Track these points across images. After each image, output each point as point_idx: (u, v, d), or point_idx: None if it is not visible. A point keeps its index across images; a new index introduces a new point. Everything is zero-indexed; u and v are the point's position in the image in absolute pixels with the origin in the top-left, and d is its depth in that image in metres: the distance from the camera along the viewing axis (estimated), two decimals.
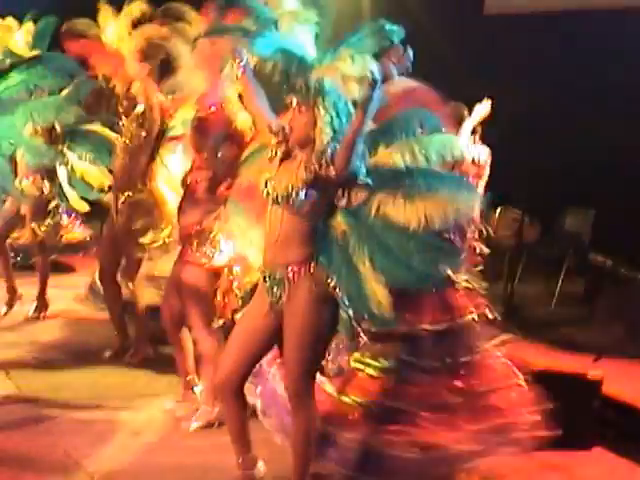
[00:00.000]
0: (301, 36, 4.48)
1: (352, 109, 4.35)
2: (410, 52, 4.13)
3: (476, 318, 5.21)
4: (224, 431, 5.16)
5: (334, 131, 4.35)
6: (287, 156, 4.48)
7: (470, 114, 6.31)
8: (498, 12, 11.36)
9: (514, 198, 9.01)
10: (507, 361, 5.34)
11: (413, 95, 5.23)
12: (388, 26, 4.46)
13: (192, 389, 5.97)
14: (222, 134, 5.48)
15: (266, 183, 4.48)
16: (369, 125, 4.40)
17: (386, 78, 4.10)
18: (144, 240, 6.61)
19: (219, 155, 5.52)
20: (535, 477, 5.52)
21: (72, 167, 7.55)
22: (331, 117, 4.34)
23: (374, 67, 4.14)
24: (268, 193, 4.46)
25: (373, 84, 4.12)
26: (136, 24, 6.73)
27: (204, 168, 5.56)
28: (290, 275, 4.44)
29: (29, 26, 7.84)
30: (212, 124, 5.53)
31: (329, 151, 4.32)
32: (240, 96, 5.24)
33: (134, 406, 6.08)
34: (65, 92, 7.42)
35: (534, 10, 11.09)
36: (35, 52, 7.37)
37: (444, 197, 4.37)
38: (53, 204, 7.79)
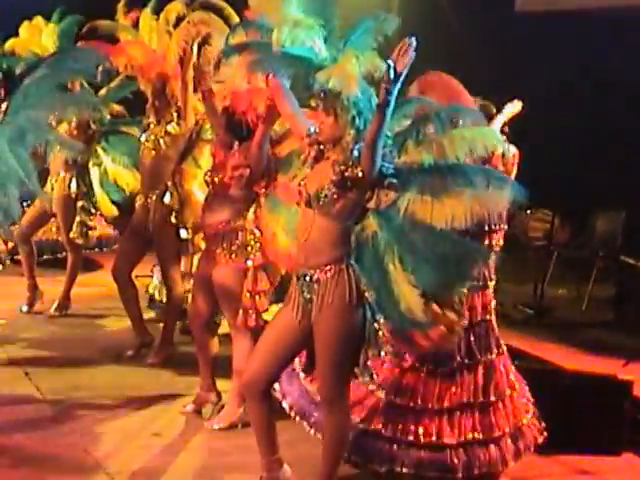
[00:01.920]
0: (308, 42, 4.42)
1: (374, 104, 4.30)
2: (413, 41, 4.05)
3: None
4: (247, 432, 5.14)
5: (358, 130, 4.32)
6: (320, 157, 4.46)
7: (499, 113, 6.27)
8: (530, 9, 11.26)
9: (545, 199, 8.92)
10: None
11: (438, 84, 5.18)
12: (383, 19, 4.36)
13: (213, 392, 5.94)
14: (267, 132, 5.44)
15: (299, 184, 4.48)
16: (401, 124, 4.43)
17: (399, 73, 4.04)
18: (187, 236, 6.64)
19: (262, 152, 5.45)
20: None
21: (105, 169, 7.55)
22: (353, 117, 4.31)
23: (387, 66, 4.06)
24: (301, 194, 4.44)
25: (389, 84, 4.07)
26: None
27: (240, 166, 5.48)
28: (321, 276, 4.40)
29: (53, 26, 7.87)
30: (248, 120, 5.46)
31: (356, 152, 4.29)
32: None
33: (156, 406, 6.04)
34: (104, 90, 7.48)
35: (565, 7, 11.00)
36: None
37: (473, 195, 4.31)
38: (80, 204, 7.76)
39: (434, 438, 4.99)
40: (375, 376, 4.78)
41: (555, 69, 10.33)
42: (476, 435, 5.06)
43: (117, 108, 7.86)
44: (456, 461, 4.99)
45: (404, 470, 4.96)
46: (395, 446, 4.98)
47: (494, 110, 5.68)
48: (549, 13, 11.03)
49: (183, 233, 6.71)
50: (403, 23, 4.51)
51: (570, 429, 5.54)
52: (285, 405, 5.23)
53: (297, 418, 5.21)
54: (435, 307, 4.68)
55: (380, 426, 4.99)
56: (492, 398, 5.13)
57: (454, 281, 4.42)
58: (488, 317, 5.20)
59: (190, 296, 6.87)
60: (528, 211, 9.33)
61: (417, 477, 5.02)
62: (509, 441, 5.14)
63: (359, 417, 4.98)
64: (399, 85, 4.10)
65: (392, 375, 5.06)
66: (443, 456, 4.99)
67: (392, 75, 4.04)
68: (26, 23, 7.96)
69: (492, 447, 5.08)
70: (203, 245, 6.49)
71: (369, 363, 4.53)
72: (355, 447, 4.92)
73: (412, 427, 5.00)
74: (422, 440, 4.98)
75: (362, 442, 4.96)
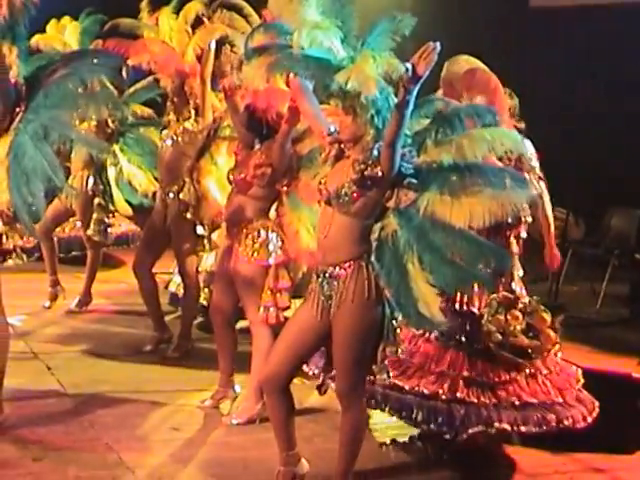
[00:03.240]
0: (326, 43, 4.46)
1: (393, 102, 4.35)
2: (438, 45, 4.09)
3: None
4: (265, 427, 5.22)
5: (377, 129, 4.36)
6: (340, 156, 4.51)
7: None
8: (544, 4, 11.27)
9: (559, 198, 8.95)
10: None
11: (474, 77, 5.24)
12: (399, 19, 4.40)
13: (231, 388, 6.01)
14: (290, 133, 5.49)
15: (320, 182, 4.53)
16: (422, 123, 4.48)
17: (419, 76, 4.09)
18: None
19: (284, 152, 5.51)
20: (577, 478, 5.48)
21: (121, 169, 7.64)
22: (371, 116, 4.36)
23: (404, 67, 4.11)
24: (321, 192, 4.49)
25: (409, 85, 4.11)
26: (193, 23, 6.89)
27: (262, 164, 5.55)
28: (340, 273, 4.45)
29: (75, 24, 7.98)
30: (270, 119, 5.54)
31: (375, 151, 4.33)
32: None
33: (175, 401, 6.10)
34: (131, 90, 7.57)
35: (581, 2, 11.01)
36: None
37: (491, 194, 4.34)
38: (97, 201, 7.86)
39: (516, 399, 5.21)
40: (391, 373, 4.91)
41: (570, 65, 10.34)
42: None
43: (145, 110, 7.93)
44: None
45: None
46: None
47: (516, 101, 5.73)
48: (564, 8, 11.04)
49: (200, 229, 6.79)
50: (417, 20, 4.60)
51: (584, 427, 5.53)
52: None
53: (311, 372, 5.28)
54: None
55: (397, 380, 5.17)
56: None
57: (472, 281, 4.48)
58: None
59: (207, 292, 7.04)
60: None
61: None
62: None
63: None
64: (418, 86, 4.13)
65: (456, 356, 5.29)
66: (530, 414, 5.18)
67: (412, 77, 4.08)
68: (53, 21, 8.08)
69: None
70: (219, 242, 6.60)
71: (387, 361, 4.61)
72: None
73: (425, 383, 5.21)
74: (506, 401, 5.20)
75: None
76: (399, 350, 4.66)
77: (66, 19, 8.09)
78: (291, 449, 4.75)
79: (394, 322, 4.50)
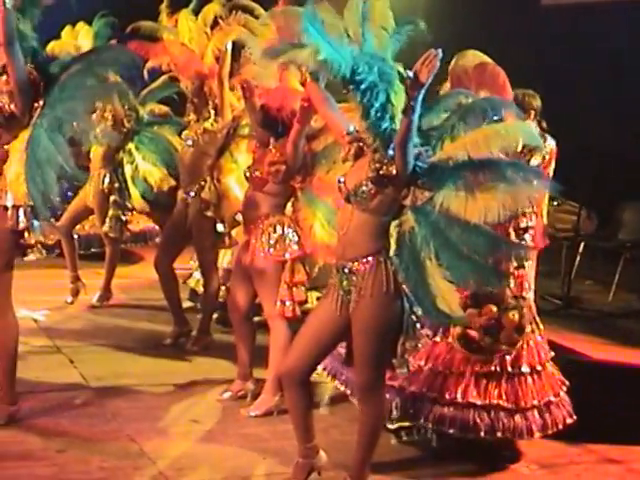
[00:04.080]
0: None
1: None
2: (440, 52, 4.16)
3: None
4: (284, 419, 5.32)
5: (381, 129, 4.42)
6: (360, 154, 4.58)
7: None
8: (556, 2, 11.27)
9: (571, 191, 8.99)
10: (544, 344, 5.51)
11: (484, 71, 5.30)
12: (408, 26, 4.49)
13: (250, 381, 6.09)
14: (302, 131, 5.56)
15: (339, 180, 4.60)
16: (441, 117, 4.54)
17: (422, 83, 4.17)
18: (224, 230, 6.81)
19: (297, 149, 5.59)
20: (592, 470, 5.54)
21: (136, 166, 7.74)
22: (374, 116, 4.41)
23: (409, 75, 4.16)
24: (341, 190, 4.57)
25: (413, 91, 4.17)
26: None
27: (276, 162, 5.65)
28: (359, 268, 4.51)
29: (88, 28, 8.10)
30: (284, 117, 5.62)
31: (391, 151, 4.39)
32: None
33: (194, 394, 6.19)
34: (147, 89, 7.67)
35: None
36: None
37: (505, 189, 4.37)
38: (112, 199, 7.96)
39: (459, 397, 5.19)
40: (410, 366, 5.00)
41: (583, 62, 10.34)
42: (502, 402, 5.22)
43: (162, 108, 8.04)
44: (479, 422, 5.17)
45: (427, 425, 5.18)
46: (419, 402, 5.20)
47: (539, 102, 5.78)
48: (576, 5, 11.03)
49: (220, 227, 6.89)
50: (428, 18, 4.67)
51: (599, 418, 5.61)
52: (318, 367, 5.43)
53: (329, 377, 5.47)
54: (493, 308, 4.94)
55: (405, 383, 5.20)
56: (523, 369, 5.32)
57: (488, 276, 4.52)
58: (525, 294, 5.37)
59: (225, 288, 7.14)
60: (555, 203, 9.35)
61: (439, 433, 5.24)
62: (536, 414, 5.30)
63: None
64: (423, 92, 4.18)
65: (423, 345, 5.19)
66: (466, 415, 5.18)
67: (415, 84, 4.13)
68: (68, 27, 8.18)
69: (517, 416, 5.25)
70: (239, 238, 6.69)
71: (407, 355, 4.68)
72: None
73: (439, 386, 5.21)
74: (447, 398, 5.18)
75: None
76: (419, 345, 4.75)
77: (81, 25, 8.18)
78: (310, 441, 4.81)
79: (413, 317, 4.56)
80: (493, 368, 5.27)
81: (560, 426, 5.39)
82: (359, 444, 4.71)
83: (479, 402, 5.21)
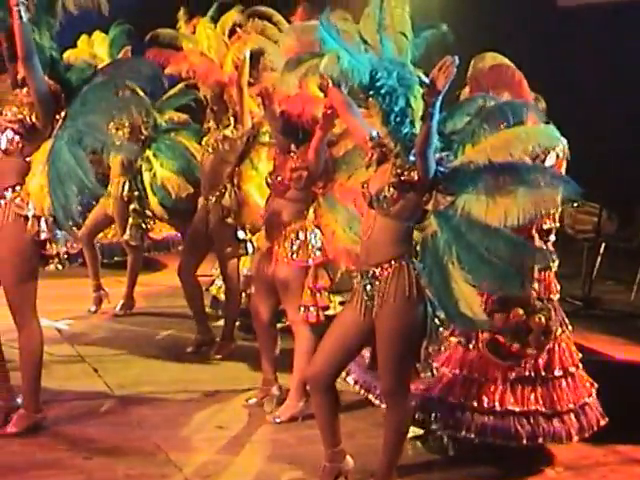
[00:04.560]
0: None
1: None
2: (456, 59, 4.18)
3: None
4: (309, 424, 5.34)
5: (402, 135, 4.45)
6: (383, 160, 4.59)
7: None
8: (573, 4, 11.26)
9: (592, 192, 8.97)
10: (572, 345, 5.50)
11: (498, 72, 5.31)
12: (426, 31, 4.55)
13: (274, 386, 6.10)
14: (324, 138, 5.59)
15: (363, 186, 4.63)
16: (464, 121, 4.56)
17: (439, 90, 4.19)
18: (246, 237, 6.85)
19: (319, 156, 5.62)
20: (618, 471, 5.53)
21: (155, 174, 7.77)
22: (394, 121, 4.45)
23: (426, 82, 4.21)
24: (364, 195, 4.60)
25: (429, 98, 4.20)
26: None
27: (298, 168, 5.67)
28: (382, 273, 4.54)
29: (103, 36, 8.15)
30: (304, 124, 5.65)
31: (412, 157, 4.41)
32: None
33: (219, 400, 6.20)
34: (165, 97, 7.71)
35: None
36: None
37: (526, 193, 4.38)
38: (132, 207, 8.00)
39: (497, 405, 5.18)
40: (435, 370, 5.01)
41: (600, 64, 10.33)
42: (539, 407, 5.23)
43: (181, 116, 8.07)
44: (520, 429, 5.16)
45: (469, 435, 5.15)
46: (459, 412, 5.17)
47: (543, 104, 5.78)
48: (592, 7, 11.01)
49: (241, 234, 6.92)
50: (443, 20, 4.69)
51: (623, 419, 5.56)
52: (350, 380, 5.49)
53: (362, 391, 5.49)
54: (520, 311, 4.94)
55: (443, 393, 5.19)
56: (556, 373, 5.32)
57: (510, 280, 4.51)
58: (552, 296, 5.37)
59: (245, 295, 7.16)
60: (575, 204, 9.33)
61: (478, 444, 5.22)
62: (573, 417, 5.31)
63: (422, 386, 5.18)
64: (440, 99, 4.20)
65: (456, 353, 5.27)
66: (507, 423, 5.17)
67: (432, 91, 4.16)
68: (84, 37, 8.22)
69: (555, 420, 5.26)
70: (260, 245, 6.72)
71: (430, 359, 4.71)
72: (420, 410, 5.14)
73: (475, 394, 5.19)
74: (485, 406, 5.17)
75: (426, 407, 5.16)
76: (442, 348, 4.76)
77: (97, 34, 8.23)
78: (336, 445, 4.83)
79: (437, 321, 4.58)
80: (527, 373, 5.26)
81: (595, 428, 5.39)
82: (385, 448, 4.73)
83: (517, 409, 5.21)
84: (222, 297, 7.56)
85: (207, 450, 5.43)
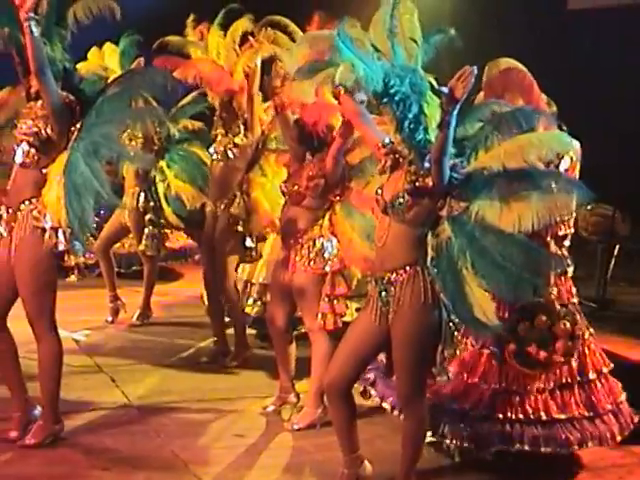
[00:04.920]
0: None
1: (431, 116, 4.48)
2: (475, 69, 4.20)
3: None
4: (327, 431, 5.34)
5: (416, 141, 4.48)
6: (396, 166, 4.62)
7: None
8: (583, 6, 11.25)
9: (605, 195, 8.96)
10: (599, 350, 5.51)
11: (508, 76, 5.32)
12: (436, 36, 4.55)
13: (292, 394, 6.13)
14: (343, 146, 5.61)
15: (376, 192, 4.66)
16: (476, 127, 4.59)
17: (457, 99, 4.21)
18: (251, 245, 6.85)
19: (338, 164, 5.64)
20: (635, 472, 5.53)
21: (168, 184, 7.79)
22: (408, 128, 4.48)
23: (440, 86, 4.25)
24: (378, 201, 4.62)
25: (447, 106, 4.22)
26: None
27: (315, 177, 5.69)
28: (397, 279, 4.56)
29: (113, 48, 8.16)
30: (320, 132, 5.67)
31: (427, 163, 4.44)
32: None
33: (237, 408, 6.22)
34: (178, 106, 7.73)
35: (619, 2, 10.97)
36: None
37: (539, 198, 4.40)
38: (148, 217, 8.03)
39: (543, 415, 5.19)
40: (450, 374, 5.01)
41: (610, 66, 10.33)
42: (581, 412, 5.24)
43: (195, 124, 8.09)
44: (569, 435, 5.18)
45: (524, 448, 5.14)
46: (508, 426, 5.17)
47: (554, 108, 5.79)
48: (602, 9, 11.00)
49: (248, 241, 6.93)
50: (453, 24, 4.70)
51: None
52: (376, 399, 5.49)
53: (377, 399, 5.48)
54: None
55: (489, 410, 5.19)
56: (591, 376, 5.33)
57: (524, 286, 4.51)
58: (574, 300, 5.40)
59: (261, 303, 7.19)
60: (589, 206, 9.34)
61: (527, 455, 5.22)
62: (612, 417, 5.33)
63: (467, 405, 5.19)
64: (457, 108, 4.23)
65: (492, 367, 5.26)
66: (555, 431, 5.18)
67: (450, 99, 4.19)
68: (95, 49, 8.23)
69: (598, 422, 5.28)
70: (266, 253, 6.76)
71: (446, 364, 4.71)
72: (469, 434, 5.15)
73: (520, 407, 5.19)
74: (532, 417, 5.17)
75: (473, 428, 5.16)
76: (457, 352, 4.77)
77: (107, 46, 8.24)
78: (354, 451, 4.85)
79: (451, 325, 4.60)
80: (564, 380, 5.28)
81: (631, 426, 5.41)
82: (404, 453, 4.75)
83: (563, 416, 5.22)
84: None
85: (226, 458, 5.43)
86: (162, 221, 8.00)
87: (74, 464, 5.24)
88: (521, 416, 5.18)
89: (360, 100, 4.77)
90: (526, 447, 5.16)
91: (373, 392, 5.56)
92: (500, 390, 5.23)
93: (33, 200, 5.17)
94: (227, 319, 7.80)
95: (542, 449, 5.17)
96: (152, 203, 7.99)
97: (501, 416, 5.19)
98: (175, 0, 9.13)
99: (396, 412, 5.33)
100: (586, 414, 5.26)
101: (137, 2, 8.59)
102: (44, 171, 5.16)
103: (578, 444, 5.22)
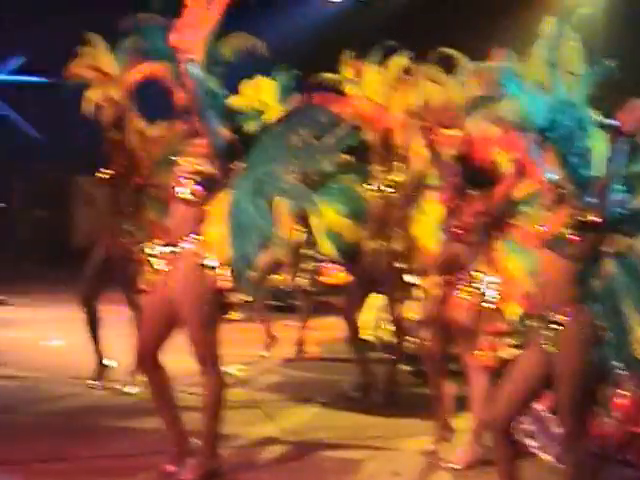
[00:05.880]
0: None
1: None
2: None
3: None
4: (487, 470, 5.28)
5: (580, 176, 4.40)
6: (560, 201, 4.55)
7: None
8: None
9: None
10: None
11: None
12: (596, 68, 4.46)
13: (449, 431, 6.04)
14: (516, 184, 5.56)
15: (540, 227, 4.59)
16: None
17: (625, 133, 4.12)
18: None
19: (507, 201, 5.59)
20: None
21: (324, 218, 7.82)
22: (572, 163, 4.41)
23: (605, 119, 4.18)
24: (542, 237, 4.55)
25: (614, 139, 4.19)
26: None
27: (481, 213, 5.64)
28: (559, 316, 4.47)
29: (269, 82, 8.24)
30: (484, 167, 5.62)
31: (590, 198, 4.38)
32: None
33: (393, 446, 6.17)
34: (328, 139, 7.76)
35: None
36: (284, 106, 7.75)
37: None
38: (303, 251, 8.06)
39: None
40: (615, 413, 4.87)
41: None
42: None
43: (345, 157, 8.10)
44: None
45: None
46: None
47: None
48: None
49: (409, 277, 6.90)
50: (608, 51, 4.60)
51: None
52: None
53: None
54: None
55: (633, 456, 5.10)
56: None
57: None
58: None
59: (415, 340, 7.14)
60: None
61: None
62: None
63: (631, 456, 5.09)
64: (625, 142, 4.17)
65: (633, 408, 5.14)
66: None
67: (617, 133, 4.15)
68: (246, 82, 8.35)
69: None
70: (431, 289, 6.68)
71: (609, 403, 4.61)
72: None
73: None
74: None
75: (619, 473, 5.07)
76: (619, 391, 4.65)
77: (261, 79, 8.34)
78: None
79: (614, 364, 4.47)
80: None
81: None
82: None
83: None
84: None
85: None
86: (317, 255, 8.02)
87: None
88: None
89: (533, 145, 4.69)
90: None
91: (533, 443, 5.45)
92: None
93: (194, 236, 5.23)
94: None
95: None
96: (306, 237, 8.02)
97: None
98: (323, 35, 9.18)
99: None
100: None
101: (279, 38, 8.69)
102: (205, 207, 5.22)
103: None
